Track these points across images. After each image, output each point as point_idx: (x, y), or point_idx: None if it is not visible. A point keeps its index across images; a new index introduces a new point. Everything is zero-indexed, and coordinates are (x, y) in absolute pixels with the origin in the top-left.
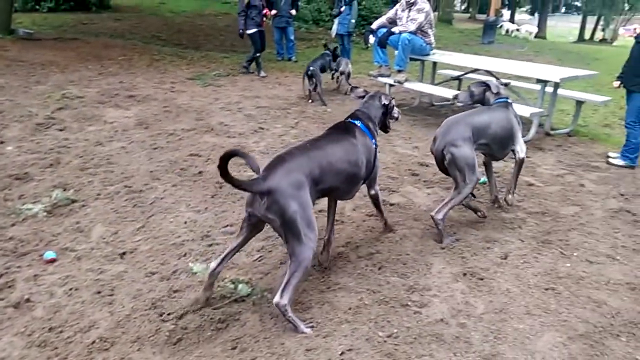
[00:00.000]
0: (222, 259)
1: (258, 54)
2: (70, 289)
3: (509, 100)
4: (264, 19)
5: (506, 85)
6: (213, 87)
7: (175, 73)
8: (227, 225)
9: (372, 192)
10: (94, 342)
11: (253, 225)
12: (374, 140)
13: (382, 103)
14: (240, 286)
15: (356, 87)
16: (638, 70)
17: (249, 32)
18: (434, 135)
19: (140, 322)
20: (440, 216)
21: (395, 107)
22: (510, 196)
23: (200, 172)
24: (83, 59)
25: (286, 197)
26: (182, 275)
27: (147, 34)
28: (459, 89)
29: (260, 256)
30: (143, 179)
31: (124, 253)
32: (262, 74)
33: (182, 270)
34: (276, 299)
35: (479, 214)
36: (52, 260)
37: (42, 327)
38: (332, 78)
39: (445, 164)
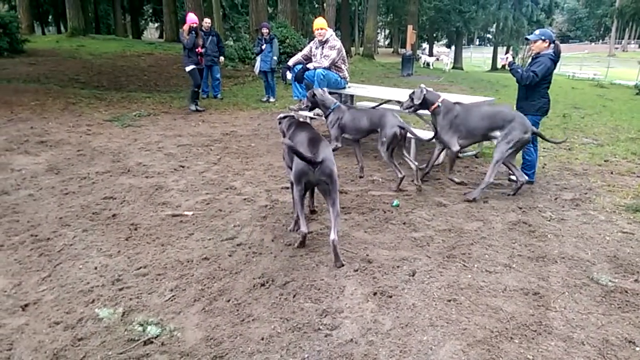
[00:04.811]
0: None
1: (196, 89)
2: None
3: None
4: (199, 56)
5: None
6: (133, 127)
7: (92, 115)
8: (141, 267)
9: None
10: None
11: (306, 190)
12: None
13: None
14: (149, 328)
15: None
16: (521, 95)
17: (187, 69)
18: (386, 123)
19: None
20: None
21: None
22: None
23: (114, 215)
24: None
25: (331, 164)
26: (88, 323)
27: (64, 77)
28: None
29: (173, 295)
30: (51, 226)
31: (26, 305)
32: (192, 107)
33: (88, 318)
34: (333, 236)
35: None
36: None
37: None
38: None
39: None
